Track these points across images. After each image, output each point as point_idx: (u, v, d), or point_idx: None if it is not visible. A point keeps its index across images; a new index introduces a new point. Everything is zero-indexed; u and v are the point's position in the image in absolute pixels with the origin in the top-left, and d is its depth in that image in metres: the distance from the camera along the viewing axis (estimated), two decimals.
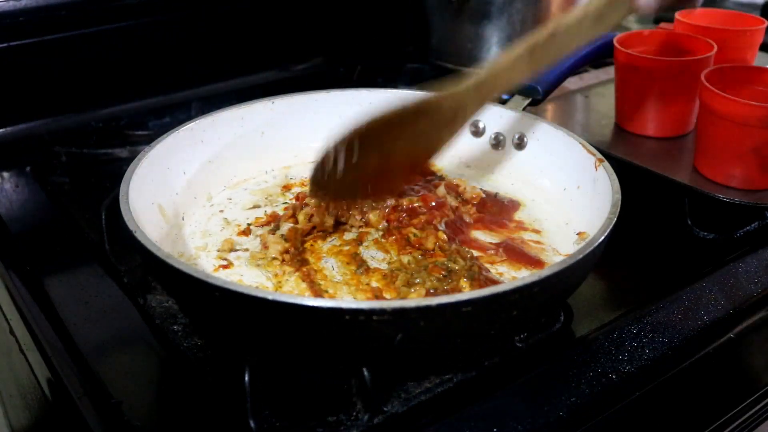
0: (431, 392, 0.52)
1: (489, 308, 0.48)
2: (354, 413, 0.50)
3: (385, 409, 0.51)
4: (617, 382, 0.54)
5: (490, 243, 0.67)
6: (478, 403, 0.51)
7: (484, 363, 0.55)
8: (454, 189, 0.74)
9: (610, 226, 0.55)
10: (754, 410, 0.63)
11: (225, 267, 0.63)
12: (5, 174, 0.84)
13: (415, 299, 0.46)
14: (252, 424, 0.49)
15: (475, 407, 0.51)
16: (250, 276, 0.62)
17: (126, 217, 0.55)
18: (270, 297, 0.46)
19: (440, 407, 0.51)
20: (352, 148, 0.58)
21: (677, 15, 0.95)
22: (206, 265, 0.64)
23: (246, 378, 0.48)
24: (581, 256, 0.51)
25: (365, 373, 0.48)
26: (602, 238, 0.53)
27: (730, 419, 0.61)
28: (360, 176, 0.61)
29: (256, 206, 0.73)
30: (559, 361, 0.56)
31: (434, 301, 0.45)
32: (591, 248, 0.52)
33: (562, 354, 0.56)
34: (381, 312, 0.45)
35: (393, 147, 0.61)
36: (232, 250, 0.66)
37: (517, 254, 0.66)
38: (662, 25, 1.03)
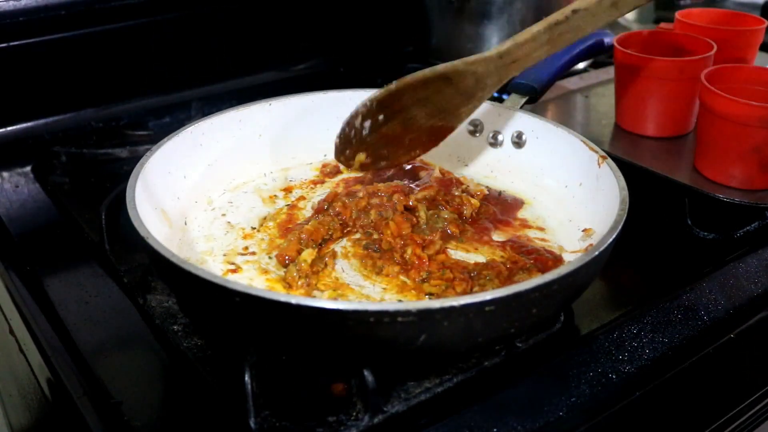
0: (431, 392, 0.52)
1: (510, 307, 0.48)
2: (354, 413, 0.50)
3: (385, 409, 0.51)
4: (617, 382, 0.54)
5: (497, 241, 0.67)
6: (478, 403, 0.51)
7: (484, 363, 0.55)
8: (457, 184, 0.74)
9: (621, 223, 0.55)
10: (754, 410, 0.63)
11: (233, 271, 0.63)
12: (5, 174, 0.84)
13: (439, 300, 0.46)
14: (252, 424, 0.49)
15: (475, 407, 0.51)
16: (260, 280, 0.62)
17: (136, 223, 0.55)
18: (294, 301, 0.46)
19: (440, 407, 0.51)
20: (378, 109, 0.63)
21: (677, 15, 0.95)
22: (214, 269, 0.63)
23: (246, 378, 0.48)
24: (597, 253, 0.52)
25: (366, 373, 0.49)
26: (615, 233, 0.54)
27: (730, 419, 0.61)
28: (382, 139, 0.65)
29: (257, 209, 0.73)
30: (559, 361, 0.56)
31: (459, 301, 0.46)
32: (605, 245, 0.53)
33: (562, 354, 0.56)
34: (406, 313, 0.45)
35: (415, 112, 0.64)
36: (238, 254, 0.66)
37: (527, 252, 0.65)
38: (662, 25, 1.03)
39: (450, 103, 0.65)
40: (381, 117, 0.64)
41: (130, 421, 0.50)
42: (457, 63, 0.63)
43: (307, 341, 0.50)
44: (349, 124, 0.64)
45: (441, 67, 0.63)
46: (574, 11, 0.61)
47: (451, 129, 0.69)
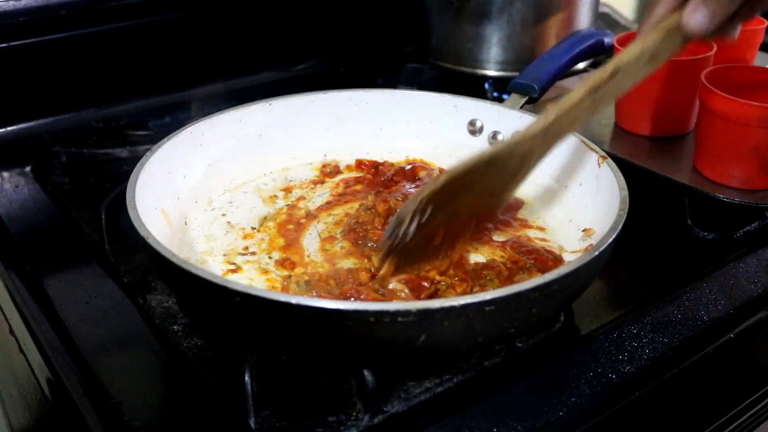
0: (431, 392, 0.52)
1: (510, 307, 0.48)
2: (354, 413, 0.50)
3: (385, 409, 0.51)
4: (617, 382, 0.54)
5: (497, 241, 0.67)
6: (478, 403, 0.51)
7: (484, 363, 0.55)
8: None
9: (621, 223, 0.55)
10: (754, 410, 0.63)
11: (233, 271, 0.63)
12: (5, 174, 0.84)
13: (440, 300, 0.46)
14: (252, 424, 0.49)
15: (475, 407, 0.51)
16: (260, 280, 0.62)
17: (136, 223, 0.55)
18: (294, 301, 0.46)
19: (440, 407, 0.52)
20: (423, 211, 0.58)
21: None
22: (214, 269, 0.64)
23: (246, 378, 0.48)
24: (597, 253, 0.52)
25: (366, 373, 0.49)
26: (615, 233, 0.54)
27: (730, 419, 0.61)
28: (428, 237, 0.60)
29: (257, 209, 0.73)
30: (559, 361, 0.56)
31: (459, 301, 0.46)
32: (605, 245, 0.53)
33: (562, 354, 0.56)
34: (406, 313, 0.45)
35: (460, 204, 0.60)
36: (238, 254, 0.66)
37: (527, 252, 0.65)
38: None
39: (492, 187, 0.60)
40: (427, 214, 0.58)
41: (130, 421, 0.50)
42: (499, 147, 0.58)
43: (307, 341, 0.50)
44: (394, 230, 0.59)
45: (485, 154, 0.58)
46: (614, 72, 0.58)
47: (497, 206, 0.64)
